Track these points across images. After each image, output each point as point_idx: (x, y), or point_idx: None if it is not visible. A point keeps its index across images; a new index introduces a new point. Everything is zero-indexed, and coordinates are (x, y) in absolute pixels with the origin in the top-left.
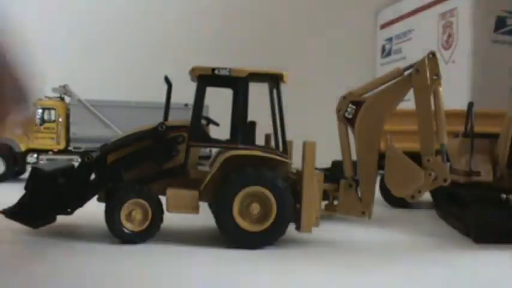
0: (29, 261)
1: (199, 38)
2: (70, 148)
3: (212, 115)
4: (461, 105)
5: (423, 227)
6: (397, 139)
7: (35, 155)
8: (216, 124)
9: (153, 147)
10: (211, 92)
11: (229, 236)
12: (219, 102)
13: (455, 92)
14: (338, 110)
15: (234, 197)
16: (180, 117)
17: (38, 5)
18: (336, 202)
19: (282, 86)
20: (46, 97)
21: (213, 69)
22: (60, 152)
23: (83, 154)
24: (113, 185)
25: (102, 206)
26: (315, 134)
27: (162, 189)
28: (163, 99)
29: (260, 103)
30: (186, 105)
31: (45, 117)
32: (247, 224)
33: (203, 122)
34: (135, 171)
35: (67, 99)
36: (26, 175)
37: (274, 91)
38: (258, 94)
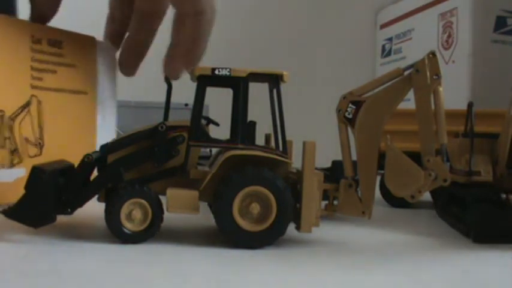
0: (29, 261)
1: None
2: None
3: (212, 115)
4: (461, 105)
5: (423, 227)
6: (397, 139)
7: None
8: (216, 124)
9: (153, 147)
10: (211, 92)
11: (229, 236)
12: (219, 102)
13: (455, 92)
14: (338, 110)
15: (234, 197)
16: (180, 117)
17: None
18: (336, 202)
19: (282, 86)
20: None
21: (213, 69)
22: None
23: (83, 154)
24: (113, 185)
25: (102, 206)
26: (315, 134)
27: (162, 189)
28: (163, 99)
29: (260, 103)
30: (186, 105)
31: None
32: (247, 224)
33: (203, 122)
34: (135, 171)
35: None
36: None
37: (274, 91)
38: (258, 94)
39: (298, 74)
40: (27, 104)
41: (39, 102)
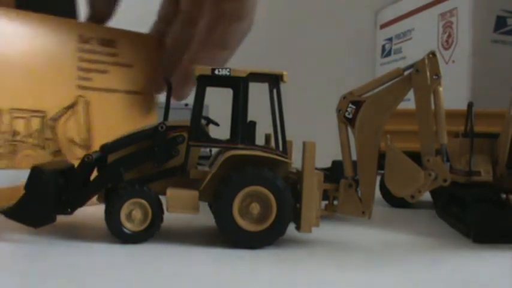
0: (29, 261)
1: None
2: None
3: (212, 115)
4: (461, 105)
5: (423, 227)
6: (397, 139)
7: None
8: (216, 124)
9: (153, 147)
10: (211, 92)
11: (229, 236)
12: (219, 102)
13: (455, 92)
14: (338, 110)
15: (234, 197)
16: (180, 117)
17: None
18: (336, 202)
19: (282, 86)
20: None
21: (213, 69)
22: None
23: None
24: (113, 185)
25: (102, 206)
26: (315, 134)
27: (162, 189)
28: (163, 99)
29: (260, 103)
30: (186, 105)
31: None
32: (247, 224)
33: (203, 122)
34: (135, 171)
35: None
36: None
37: (274, 91)
38: (258, 94)
39: (298, 74)
40: (72, 105)
41: (86, 103)
